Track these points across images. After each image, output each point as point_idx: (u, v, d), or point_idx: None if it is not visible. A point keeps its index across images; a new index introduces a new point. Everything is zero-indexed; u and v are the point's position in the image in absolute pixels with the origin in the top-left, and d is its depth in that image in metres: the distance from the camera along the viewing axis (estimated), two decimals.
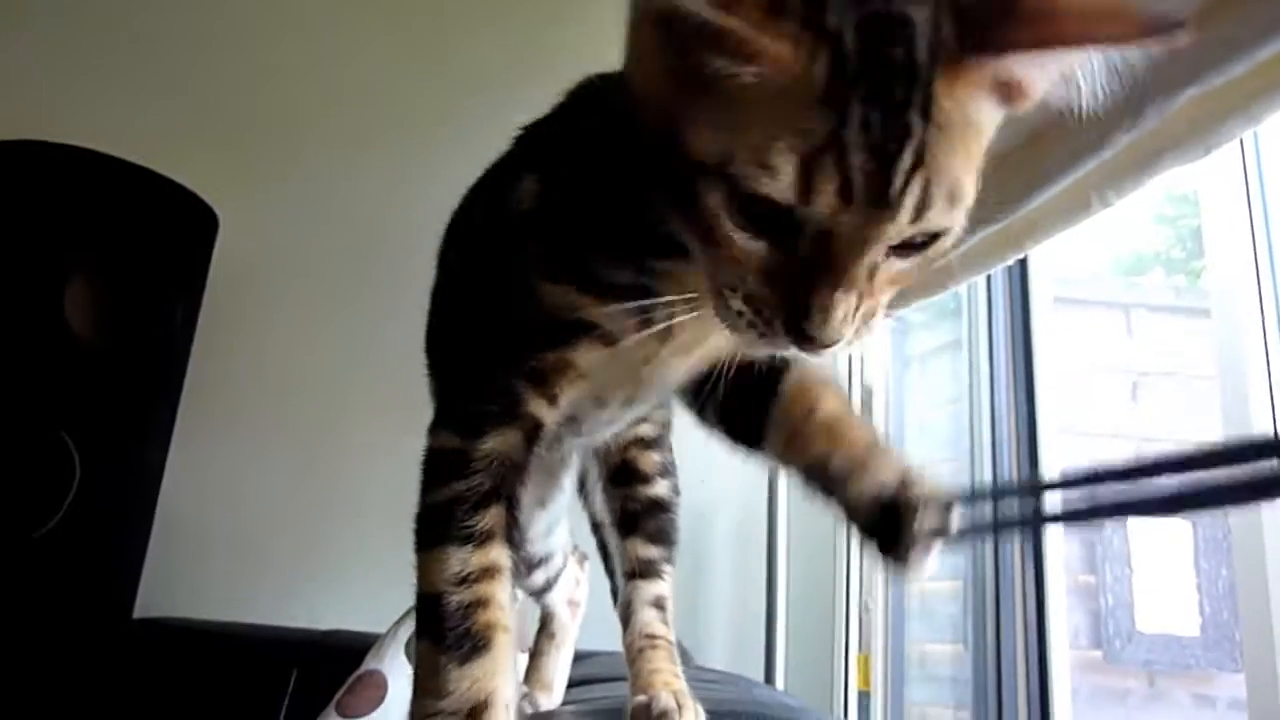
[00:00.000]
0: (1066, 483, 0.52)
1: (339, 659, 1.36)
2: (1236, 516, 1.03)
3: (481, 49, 2.22)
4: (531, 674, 1.04)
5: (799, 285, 0.47)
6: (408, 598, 1.35)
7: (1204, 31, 0.69)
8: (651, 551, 0.86)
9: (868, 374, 1.85)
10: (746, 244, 0.48)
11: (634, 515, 0.88)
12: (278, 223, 2.18)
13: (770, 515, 1.79)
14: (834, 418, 0.61)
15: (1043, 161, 0.87)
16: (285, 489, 2.06)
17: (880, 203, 0.44)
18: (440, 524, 0.59)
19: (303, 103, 2.28)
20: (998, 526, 0.62)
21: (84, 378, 1.59)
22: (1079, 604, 1.75)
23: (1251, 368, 1.03)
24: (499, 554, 0.59)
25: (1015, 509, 0.62)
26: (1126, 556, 1.78)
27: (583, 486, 0.96)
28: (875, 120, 0.43)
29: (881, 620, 1.77)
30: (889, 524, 0.54)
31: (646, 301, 0.57)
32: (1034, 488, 0.56)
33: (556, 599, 1.05)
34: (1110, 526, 1.79)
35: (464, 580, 0.57)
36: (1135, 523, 1.79)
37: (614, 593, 0.96)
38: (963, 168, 0.46)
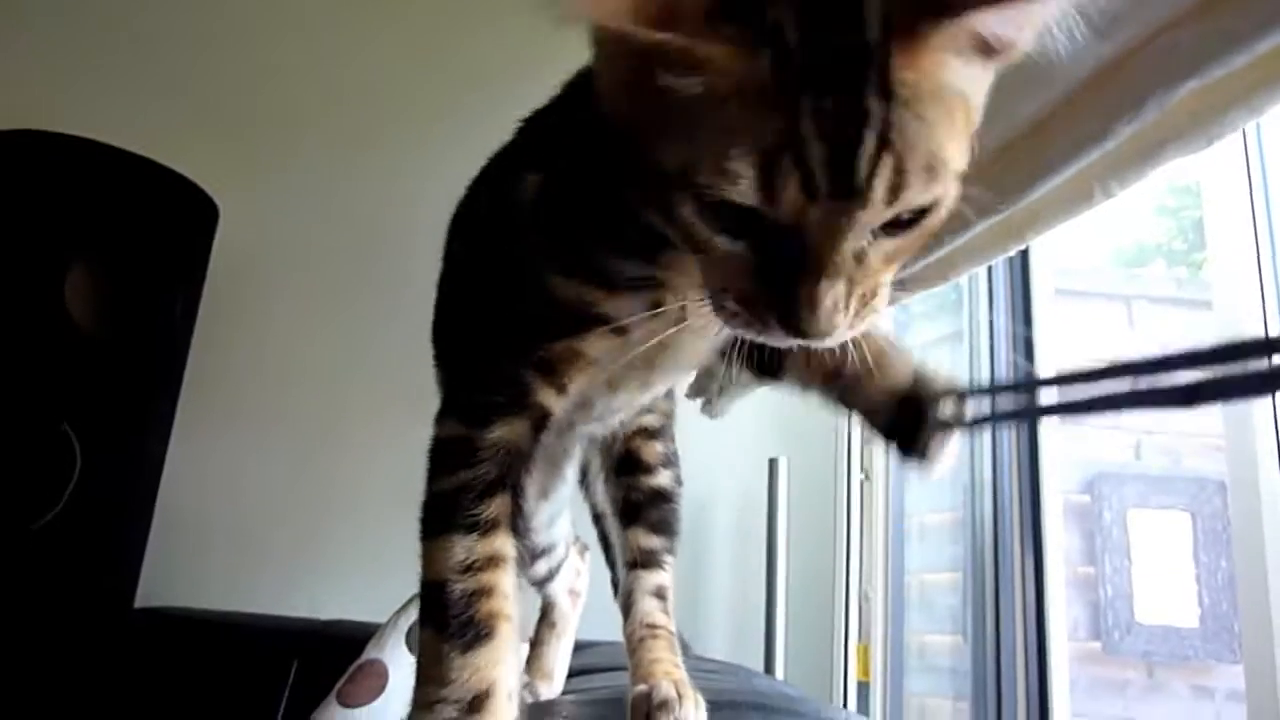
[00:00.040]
0: (1064, 379, 0.52)
1: (340, 648, 1.36)
2: (1236, 509, 1.03)
3: (481, 46, 2.22)
4: (532, 663, 1.04)
5: (784, 282, 0.47)
6: (408, 587, 1.36)
7: (1205, 23, 0.69)
8: (653, 541, 0.87)
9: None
10: (727, 247, 0.48)
11: (636, 505, 0.88)
12: (278, 214, 2.18)
13: (770, 506, 1.79)
14: None
15: (1045, 152, 0.86)
16: (286, 479, 2.06)
17: (847, 192, 0.43)
18: (446, 512, 0.59)
19: (304, 94, 2.28)
20: (1002, 417, 0.63)
21: (84, 368, 1.59)
22: (1078, 595, 1.76)
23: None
24: (504, 543, 0.59)
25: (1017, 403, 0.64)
26: (1126, 548, 1.78)
27: (584, 478, 0.97)
28: (829, 110, 0.42)
29: (881, 610, 1.77)
30: (907, 421, 0.57)
31: (656, 292, 0.57)
32: (1032, 384, 0.57)
33: (558, 589, 1.05)
34: (1110, 518, 1.79)
35: (468, 568, 0.57)
36: (1135, 515, 1.80)
37: (615, 584, 0.96)
38: (945, 136, 0.45)
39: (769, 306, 0.48)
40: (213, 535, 2.01)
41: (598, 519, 1.00)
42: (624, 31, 0.43)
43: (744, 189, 0.43)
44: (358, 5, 2.33)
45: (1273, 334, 1.01)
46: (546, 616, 1.06)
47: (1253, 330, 1.03)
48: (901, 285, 0.56)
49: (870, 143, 0.42)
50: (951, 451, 0.58)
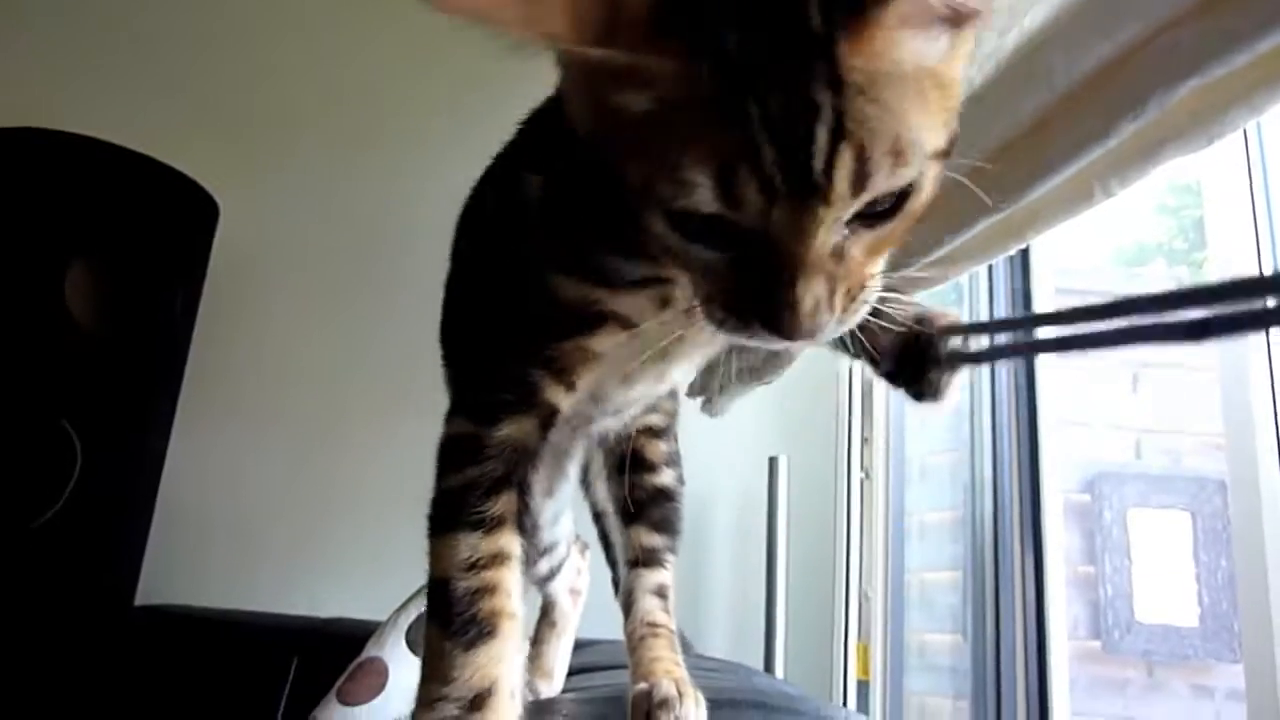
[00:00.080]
0: (1066, 315, 0.52)
1: (340, 646, 1.37)
2: (1236, 509, 1.03)
3: (481, 46, 2.21)
4: (532, 662, 1.04)
5: (763, 286, 0.46)
6: (408, 585, 1.36)
7: (1206, 22, 0.69)
8: (655, 540, 0.87)
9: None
10: (704, 256, 0.48)
11: (639, 503, 0.88)
12: (278, 211, 2.18)
13: (770, 504, 1.79)
14: None
15: (1046, 150, 0.86)
16: (286, 477, 2.07)
17: (807, 190, 0.42)
18: (453, 510, 0.60)
19: (304, 92, 2.28)
20: (1005, 351, 0.63)
21: (85, 365, 1.59)
22: (1078, 594, 1.76)
23: (1252, 359, 1.03)
24: (509, 540, 0.59)
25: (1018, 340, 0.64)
26: (1126, 547, 1.78)
27: (584, 477, 0.97)
28: (776, 110, 0.41)
29: (881, 609, 1.77)
30: (911, 360, 0.58)
31: (664, 288, 0.57)
32: (1035, 320, 0.57)
33: (559, 587, 1.05)
34: (1110, 518, 1.79)
35: (473, 566, 0.57)
36: (1135, 514, 1.80)
37: (615, 583, 0.96)
38: (914, 117, 0.43)
39: (753, 312, 0.47)
40: (213, 533, 2.01)
41: (598, 517, 1.00)
42: (573, 51, 0.43)
43: (704, 198, 0.43)
44: (358, 5, 2.33)
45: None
46: (547, 615, 1.06)
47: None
48: (904, 285, 0.56)
49: (823, 136, 0.41)
50: (958, 386, 0.59)
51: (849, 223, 0.46)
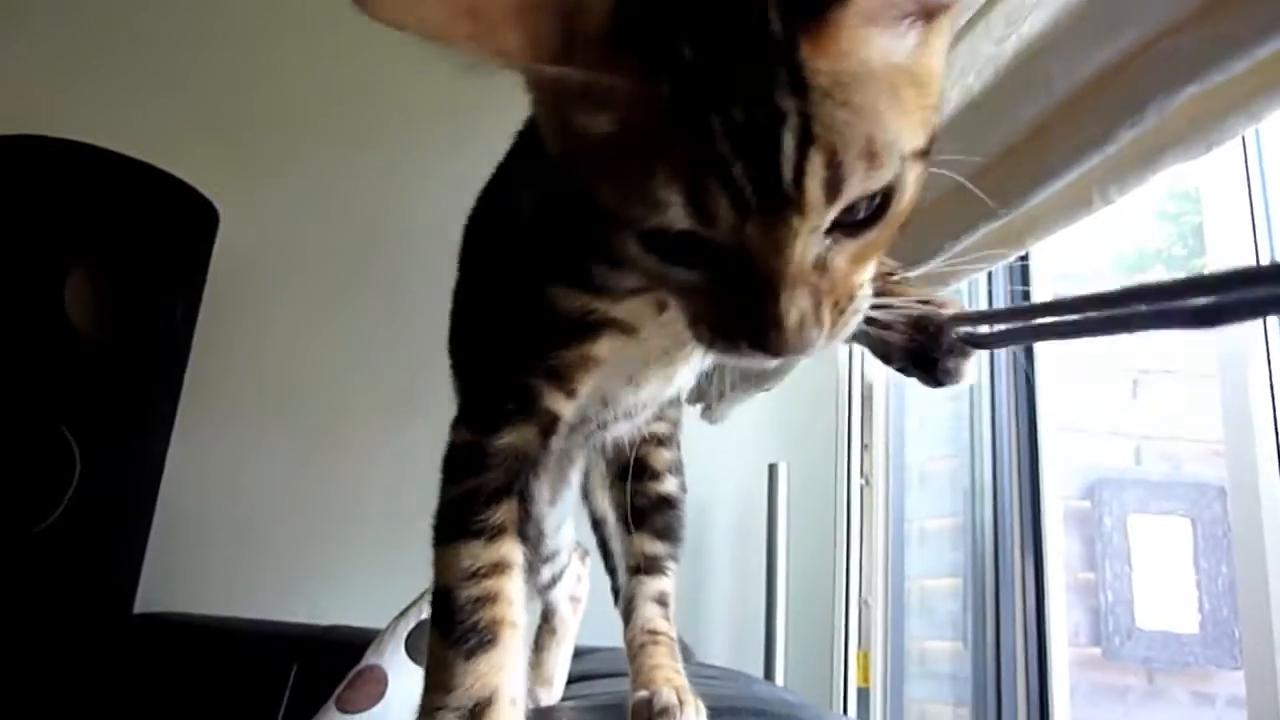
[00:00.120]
0: (1076, 303, 0.51)
1: (339, 654, 1.36)
2: (1236, 515, 1.03)
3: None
4: (532, 669, 1.04)
5: (747, 304, 0.45)
6: (408, 593, 1.36)
7: (1206, 28, 0.69)
8: (657, 547, 0.87)
9: (868, 370, 1.85)
10: (684, 277, 0.47)
11: (642, 511, 0.88)
12: (278, 217, 2.18)
13: (770, 511, 1.79)
14: None
15: (1046, 157, 0.86)
16: (285, 484, 2.06)
17: (779, 201, 0.41)
18: (456, 519, 0.60)
19: (303, 98, 2.28)
20: (1012, 336, 0.63)
21: (84, 372, 1.59)
22: (1078, 601, 1.75)
23: (1252, 365, 1.03)
24: (510, 549, 0.59)
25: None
26: (1126, 554, 1.78)
27: (583, 484, 0.97)
28: (740, 118, 0.40)
29: (881, 617, 1.77)
30: (922, 354, 0.59)
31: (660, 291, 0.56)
32: (1044, 308, 0.57)
33: (559, 595, 1.05)
34: (1110, 524, 1.79)
35: (474, 575, 0.57)
36: (1135, 520, 1.79)
37: (614, 591, 0.96)
38: (888, 116, 0.42)
39: (739, 330, 0.46)
40: (212, 540, 2.00)
41: (596, 525, 1.00)
42: (534, 70, 0.41)
43: (676, 216, 0.42)
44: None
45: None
46: (547, 622, 1.06)
47: (1253, 332, 1.03)
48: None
49: (789, 143, 0.40)
50: (974, 366, 0.60)
51: (830, 232, 0.44)
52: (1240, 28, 0.65)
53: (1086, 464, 1.82)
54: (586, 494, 0.97)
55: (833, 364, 1.86)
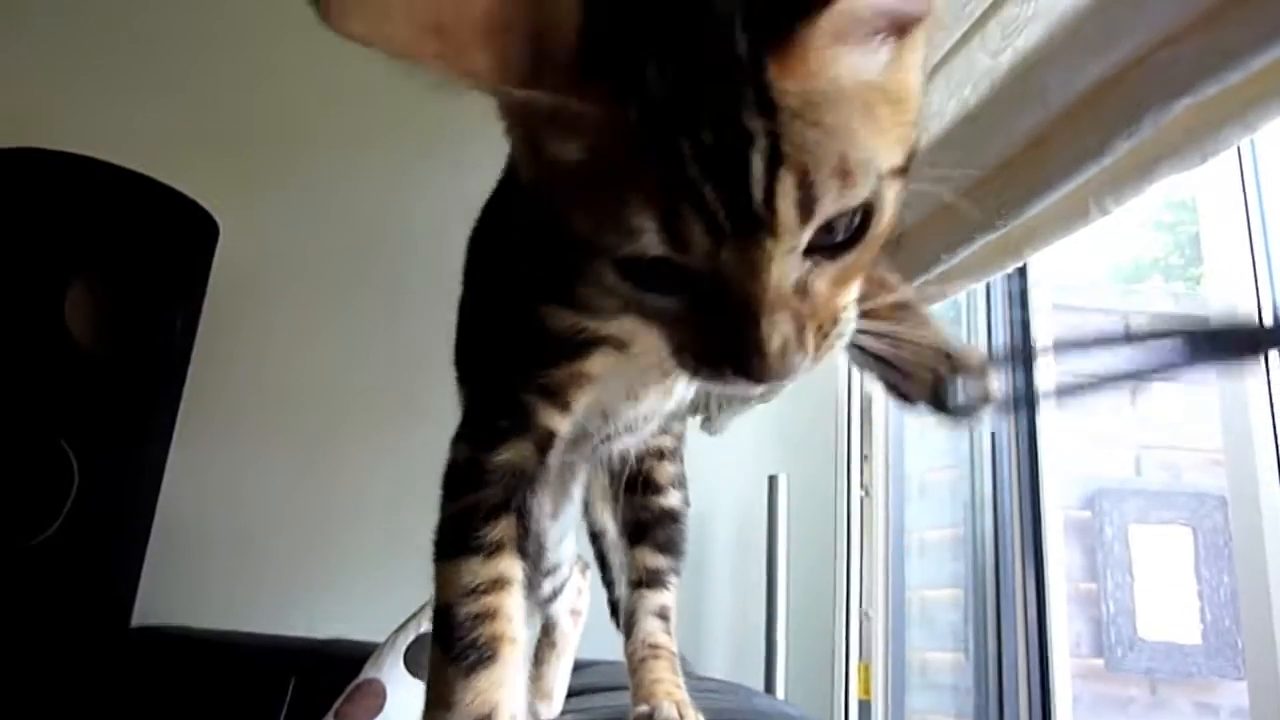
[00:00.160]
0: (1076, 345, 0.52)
1: (338, 667, 1.36)
2: (1238, 525, 1.03)
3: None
4: (532, 683, 1.03)
5: (727, 330, 0.44)
6: (407, 606, 1.35)
7: (1202, 39, 0.69)
8: (660, 561, 0.86)
9: (867, 382, 1.85)
10: (662, 305, 0.46)
11: (644, 524, 0.88)
12: (278, 230, 2.18)
13: (770, 522, 1.78)
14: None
15: (1043, 168, 0.87)
16: (284, 497, 2.06)
17: (751, 222, 0.40)
18: (455, 535, 0.60)
19: (303, 111, 2.29)
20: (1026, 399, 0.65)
21: (84, 385, 1.59)
22: (1080, 611, 1.75)
23: (1251, 374, 1.03)
24: (509, 565, 0.59)
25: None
26: (1127, 564, 1.78)
27: (584, 496, 0.96)
28: (709, 140, 0.39)
29: (882, 628, 1.76)
30: (939, 403, 0.59)
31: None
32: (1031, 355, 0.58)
33: (559, 608, 1.04)
34: (1111, 534, 1.79)
35: (473, 591, 0.57)
36: (1136, 530, 1.79)
37: (611, 604, 0.96)
38: (861, 134, 0.41)
39: (722, 357, 0.45)
40: (211, 553, 2.00)
41: (595, 537, 1.00)
42: (504, 93, 0.41)
43: (650, 242, 0.41)
44: None
45: None
46: (547, 635, 1.06)
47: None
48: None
49: (758, 165, 0.39)
50: (988, 415, 0.60)
51: (810, 255, 0.43)
52: (1236, 39, 0.65)
53: (1086, 474, 1.82)
54: (587, 506, 0.97)
55: (832, 376, 1.87)
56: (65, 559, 1.53)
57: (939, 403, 0.59)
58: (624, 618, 0.87)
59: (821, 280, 0.45)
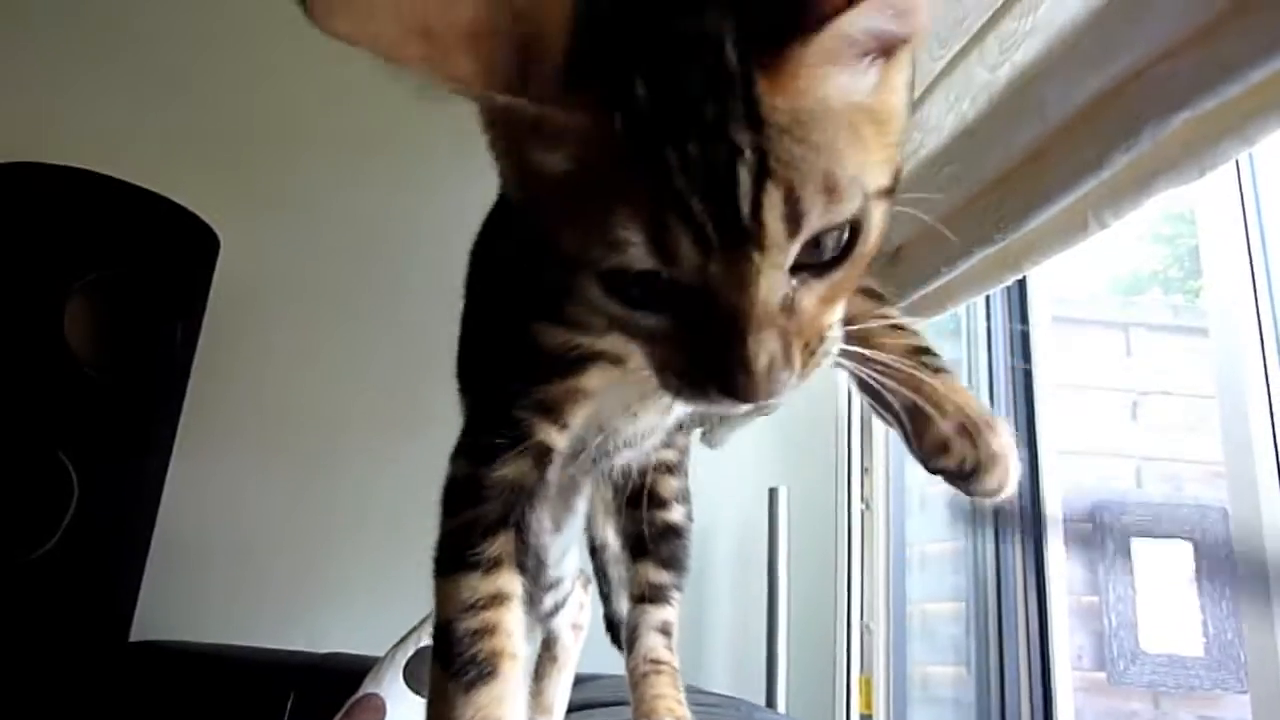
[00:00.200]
0: None
1: (337, 682, 1.35)
2: (1239, 536, 1.03)
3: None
4: (533, 697, 1.03)
5: (712, 347, 0.43)
6: (407, 620, 1.35)
7: (1198, 55, 0.70)
8: (663, 576, 0.86)
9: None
10: (648, 322, 0.46)
11: (648, 539, 0.88)
12: (279, 243, 2.19)
13: (770, 535, 1.78)
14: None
15: (1040, 183, 0.87)
16: (284, 511, 2.05)
17: (739, 236, 0.40)
18: (454, 551, 0.59)
19: (304, 125, 2.29)
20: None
21: (83, 398, 1.59)
22: (1082, 624, 1.74)
23: (1251, 386, 1.03)
24: (508, 581, 0.59)
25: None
26: (1129, 576, 1.77)
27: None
28: (696, 153, 0.39)
29: (883, 642, 1.76)
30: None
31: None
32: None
33: (561, 622, 1.04)
34: (1113, 547, 1.78)
35: (472, 607, 0.57)
36: (1138, 543, 1.79)
37: (607, 619, 0.95)
38: (847, 153, 0.41)
39: (706, 376, 0.45)
40: (210, 567, 1.99)
41: (594, 551, 0.99)
42: (488, 101, 0.41)
43: (637, 257, 0.41)
44: None
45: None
46: (548, 650, 1.05)
47: (1251, 352, 1.03)
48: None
49: (745, 178, 0.39)
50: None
51: (797, 272, 0.43)
52: (1234, 52, 0.66)
53: (1087, 486, 1.82)
54: (589, 520, 0.97)
55: (832, 388, 1.86)
56: (64, 573, 1.52)
57: (948, 478, 0.61)
58: (626, 633, 0.86)
59: (808, 298, 0.45)
